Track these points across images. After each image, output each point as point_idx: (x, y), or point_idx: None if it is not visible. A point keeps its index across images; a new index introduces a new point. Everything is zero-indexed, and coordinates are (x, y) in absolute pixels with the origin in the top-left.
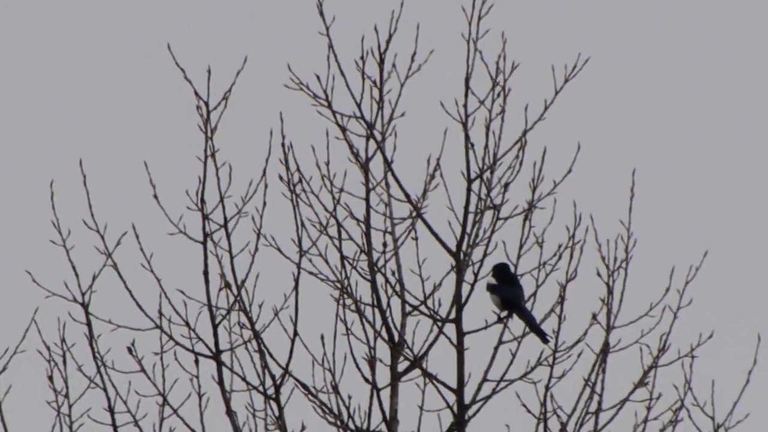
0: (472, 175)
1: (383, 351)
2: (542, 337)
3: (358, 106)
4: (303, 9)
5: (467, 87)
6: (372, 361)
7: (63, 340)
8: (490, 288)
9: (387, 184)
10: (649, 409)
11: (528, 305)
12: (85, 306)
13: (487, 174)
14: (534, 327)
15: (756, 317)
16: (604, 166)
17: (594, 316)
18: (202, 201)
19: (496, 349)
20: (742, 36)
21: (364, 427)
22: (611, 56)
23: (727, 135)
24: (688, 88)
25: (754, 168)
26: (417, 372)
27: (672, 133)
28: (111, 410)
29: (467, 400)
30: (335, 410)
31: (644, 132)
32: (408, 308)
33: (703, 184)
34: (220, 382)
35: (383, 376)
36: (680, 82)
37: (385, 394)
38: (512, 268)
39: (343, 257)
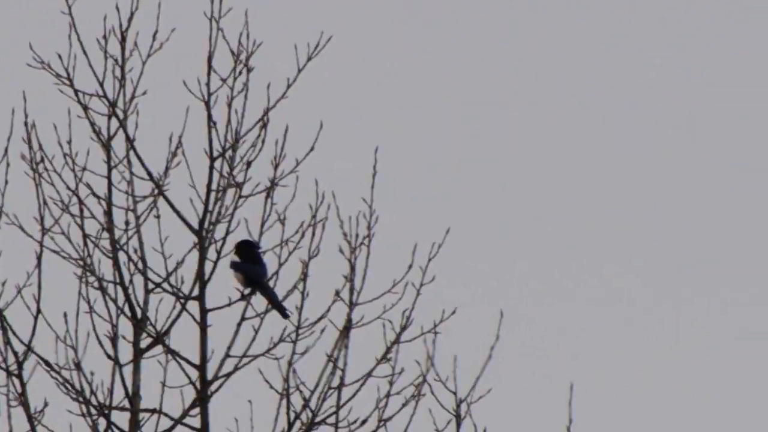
0: (215, 153)
1: (126, 328)
2: (283, 312)
3: (101, 84)
4: None
5: (209, 65)
6: (114, 338)
7: None
8: (234, 265)
9: (129, 162)
10: (391, 384)
11: (272, 283)
12: None
13: (230, 152)
14: (275, 303)
15: (498, 294)
16: (347, 145)
17: (337, 293)
18: None
19: (239, 325)
20: None
21: (107, 403)
22: (354, 33)
23: (460, 115)
24: (434, 72)
25: (493, 141)
26: (160, 348)
27: (412, 110)
28: None
29: (210, 375)
30: (78, 386)
31: (387, 110)
32: (151, 285)
33: (443, 161)
34: None
35: (126, 352)
36: (424, 64)
37: (128, 371)
38: (256, 246)
39: (85, 235)
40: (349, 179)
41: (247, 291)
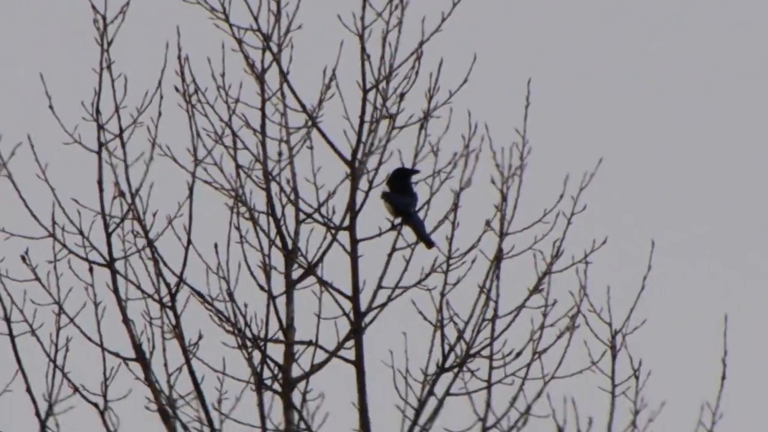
0: (368, 85)
1: (278, 259)
2: (428, 243)
3: (255, 18)
4: None
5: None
6: (266, 269)
7: None
8: (384, 196)
9: (283, 94)
10: (545, 315)
11: (422, 213)
12: None
13: (383, 84)
14: (420, 233)
15: (649, 223)
16: (500, 77)
17: (488, 223)
18: (98, 111)
19: (390, 256)
20: None
21: (261, 335)
22: None
23: (621, 47)
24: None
25: (646, 77)
26: (312, 280)
27: (567, 43)
28: (7, 320)
29: (363, 307)
30: (231, 318)
31: (539, 43)
32: (302, 216)
33: (596, 91)
34: (115, 291)
35: (278, 284)
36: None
37: (281, 302)
38: (411, 172)
39: (238, 166)
40: (502, 111)
41: (397, 221)
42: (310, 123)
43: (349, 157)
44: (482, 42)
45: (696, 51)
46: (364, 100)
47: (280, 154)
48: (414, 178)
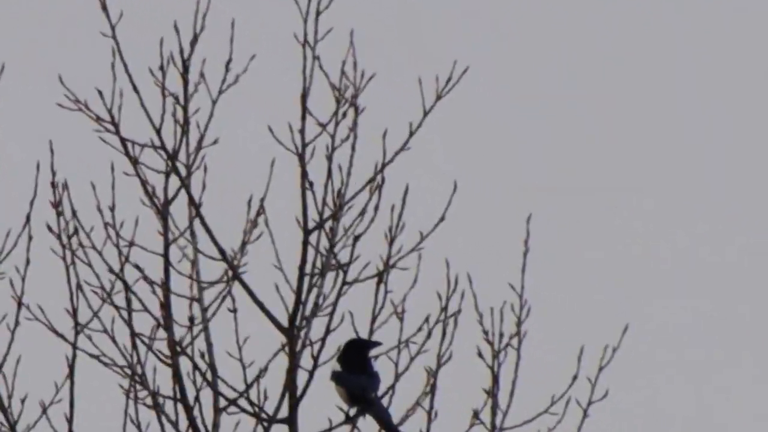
0: (311, 224)
1: None
2: None
3: (157, 130)
4: (80, 2)
5: (304, 106)
6: None
7: None
8: (335, 376)
9: (193, 234)
10: None
11: (385, 401)
12: None
13: (330, 222)
14: (386, 425)
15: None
16: (486, 211)
17: (476, 414)
18: None
19: None
20: None
21: None
22: (489, 61)
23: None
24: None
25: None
26: None
27: (571, 156)
28: None
29: None
30: None
31: (538, 160)
32: (223, 402)
33: (617, 233)
34: None
35: None
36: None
37: None
38: (368, 346)
39: (134, 334)
40: (490, 258)
41: (352, 411)
42: (230, 275)
43: (285, 322)
44: (460, 161)
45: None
46: (305, 243)
47: (191, 318)
48: (373, 351)
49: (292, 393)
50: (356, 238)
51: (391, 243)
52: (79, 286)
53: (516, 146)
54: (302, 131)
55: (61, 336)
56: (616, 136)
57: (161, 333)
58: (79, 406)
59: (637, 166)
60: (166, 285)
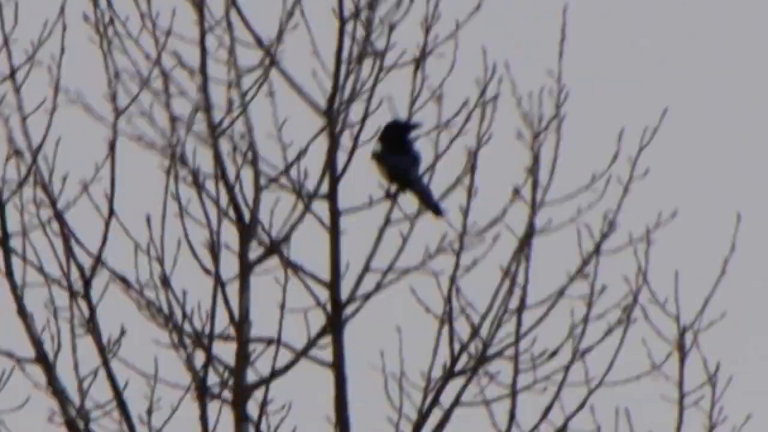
0: (346, 14)
1: (231, 235)
2: (436, 210)
3: None
4: None
5: None
6: (214, 247)
7: None
8: (376, 156)
9: (229, 23)
10: (590, 306)
11: (426, 179)
12: None
13: (366, 11)
14: (427, 200)
15: (732, 191)
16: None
17: (516, 190)
18: None
19: (382, 230)
20: None
21: (206, 330)
22: None
23: None
24: None
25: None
26: (276, 261)
27: None
28: None
29: (344, 296)
30: (165, 309)
31: None
32: (264, 181)
33: (657, 16)
34: (8, 274)
35: (231, 266)
36: None
37: (233, 290)
38: (408, 127)
39: (172, 117)
40: (530, 44)
41: (393, 188)
42: (267, 61)
43: (323, 105)
44: None
45: None
46: (341, 32)
47: (230, 101)
48: (414, 132)
49: (332, 171)
50: (392, 27)
51: (427, 31)
52: (116, 73)
53: None
54: None
55: (101, 118)
56: None
57: (200, 116)
58: (120, 185)
59: None
60: (203, 70)
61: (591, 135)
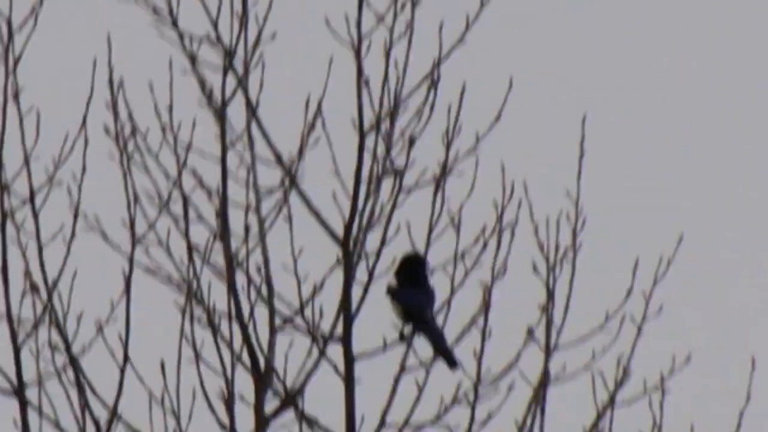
0: (366, 126)
1: (245, 382)
2: (449, 361)
3: (214, 24)
4: None
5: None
6: (229, 400)
7: None
8: (391, 292)
9: (250, 137)
10: None
11: (440, 318)
12: None
13: (386, 124)
14: (439, 347)
15: (750, 332)
16: (544, 111)
17: (530, 331)
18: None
19: (396, 380)
20: None
21: None
22: None
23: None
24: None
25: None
26: (291, 413)
27: (636, 66)
28: None
29: None
30: None
31: (599, 63)
32: (278, 322)
33: (673, 140)
34: (25, 429)
35: (246, 418)
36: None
37: None
38: (425, 263)
39: (190, 247)
40: (547, 162)
41: (406, 329)
42: (287, 182)
43: (340, 233)
44: (518, 59)
45: None
46: (361, 147)
47: (247, 229)
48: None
49: (347, 311)
50: (412, 141)
51: (448, 147)
52: (135, 197)
53: (574, 43)
54: (359, 22)
55: (117, 247)
56: (680, 35)
57: (217, 244)
58: (134, 325)
59: (696, 66)
60: (223, 193)
61: (603, 264)
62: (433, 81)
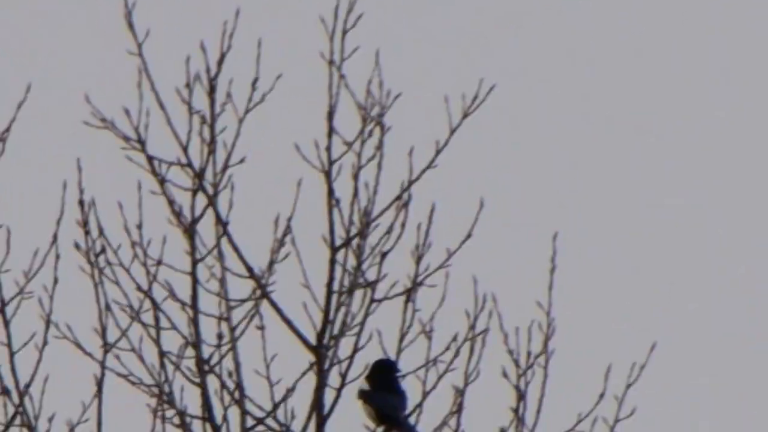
0: (337, 242)
1: None
2: None
3: (183, 149)
4: (107, 21)
5: (330, 124)
6: None
7: None
8: (363, 395)
9: (220, 252)
10: None
11: (413, 419)
12: None
13: (357, 240)
14: None
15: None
16: (514, 228)
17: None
18: None
19: None
20: None
21: None
22: (518, 81)
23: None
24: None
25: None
26: None
27: (603, 175)
28: None
29: None
30: None
31: (568, 178)
32: (250, 422)
33: (632, 246)
34: None
35: None
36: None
37: None
38: (395, 368)
39: (162, 353)
40: (517, 275)
41: (379, 430)
42: (258, 293)
43: (313, 340)
44: (487, 179)
45: None
46: (333, 261)
47: (219, 336)
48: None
49: (319, 412)
50: (383, 256)
51: (418, 261)
52: (107, 306)
53: (543, 163)
54: (328, 149)
55: (90, 355)
56: (646, 151)
57: (189, 351)
58: (106, 425)
59: (665, 179)
60: (193, 303)
61: (577, 369)
62: (403, 202)
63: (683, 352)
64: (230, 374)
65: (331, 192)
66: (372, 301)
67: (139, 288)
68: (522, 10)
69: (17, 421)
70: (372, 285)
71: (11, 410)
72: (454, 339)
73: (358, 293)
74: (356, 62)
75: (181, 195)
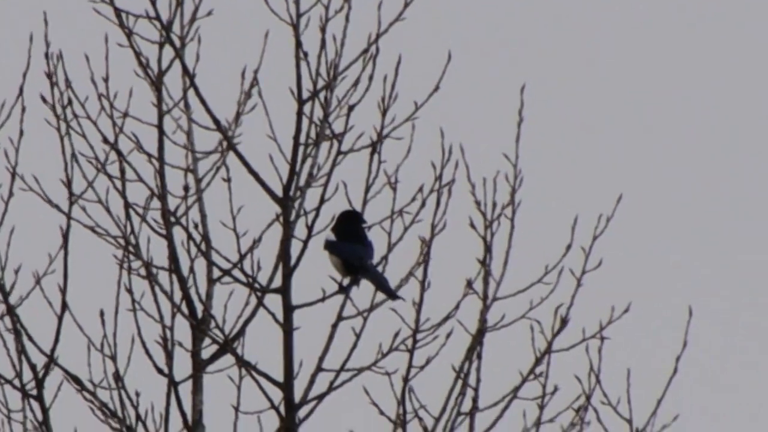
0: (305, 94)
1: (184, 331)
2: (392, 296)
3: (151, 2)
4: None
5: None
6: (167, 346)
7: None
8: (329, 246)
9: (187, 105)
10: (542, 407)
11: (378, 270)
12: None
13: (325, 92)
14: (382, 287)
15: (687, 285)
16: (482, 82)
17: (468, 283)
18: None
19: (334, 327)
20: None
21: None
22: None
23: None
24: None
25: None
26: (229, 360)
27: (572, 38)
28: None
29: (298, 397)
30: (119, 412)
31: (536, 35)
32: (216, 273)
33: (612, 103)
34: None
35: (184, 365)
36: None
37: (186, 390)
38: (361, 219)
39: (127, 204)
40: (486, 128)
41: (346, 281)
42: (225, 145)
43: (279, 192)
44: (459, 33)
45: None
46: (300, 113)
47: (185, 187)
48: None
49: (285, 263)
50: (350, 108)
51: (384, 113)
52: (73, 156)
53: (512, 15)
54: (296, 1)
55: (56, 206)
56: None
57: (155, 203)
58: (73, 276)
59: (634, 33)
60: (160, 155)
61: (544, 222)
62: (371, 55)
63: (649, 203)
64: (196, 226)
65: (298, 44)
66: (338, 153)
67: (105, 140)
68: None
69: None
70: (338, 137)
71: None
72: (420, 190)
73: (325, 145)
74: None
75: (149, 48)
